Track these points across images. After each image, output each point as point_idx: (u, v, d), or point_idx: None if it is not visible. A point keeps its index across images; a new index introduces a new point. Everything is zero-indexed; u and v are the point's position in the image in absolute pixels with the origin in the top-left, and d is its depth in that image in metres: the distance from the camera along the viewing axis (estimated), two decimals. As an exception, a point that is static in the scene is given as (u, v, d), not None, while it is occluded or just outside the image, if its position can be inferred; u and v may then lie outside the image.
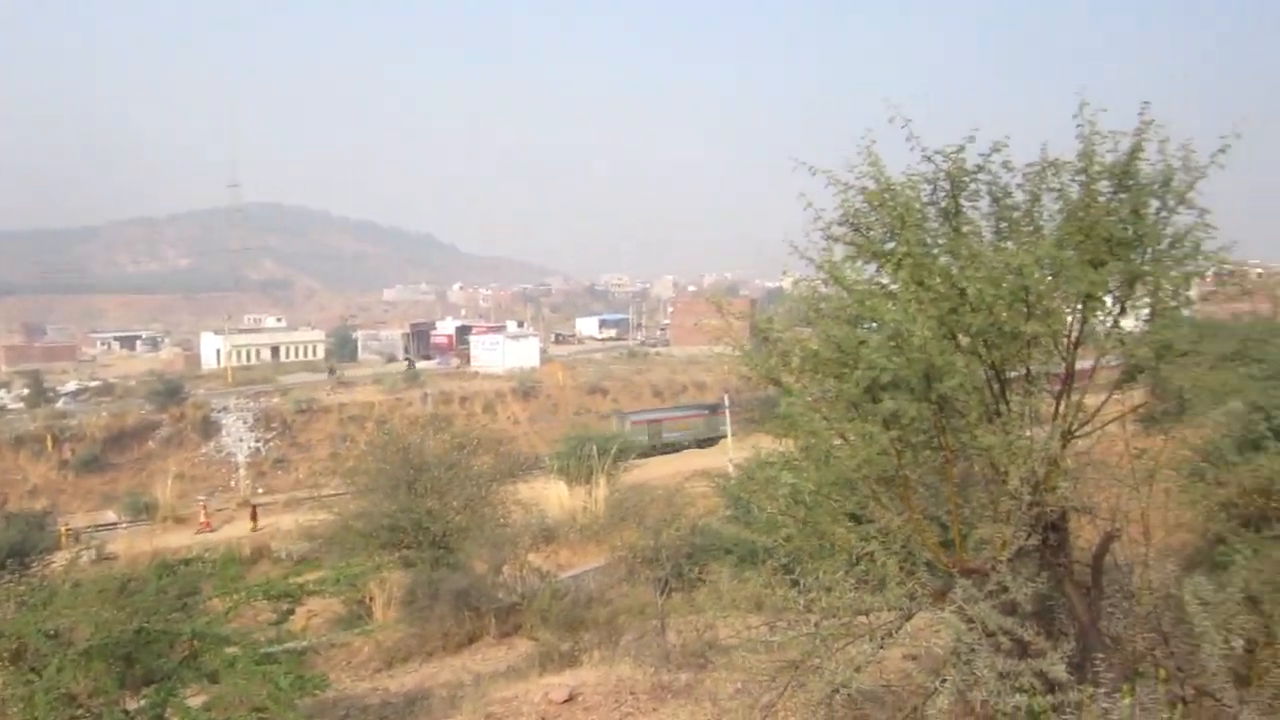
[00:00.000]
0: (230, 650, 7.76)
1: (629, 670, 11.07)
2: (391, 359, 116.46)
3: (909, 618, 6.56)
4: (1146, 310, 6.53)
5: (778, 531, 6.67)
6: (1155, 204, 6.58)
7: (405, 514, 19.40)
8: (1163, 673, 6.71)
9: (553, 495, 32.82)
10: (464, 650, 16.01)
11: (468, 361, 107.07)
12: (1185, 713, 6.58)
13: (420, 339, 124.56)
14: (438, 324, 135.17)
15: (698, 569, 17.46)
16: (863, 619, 6.45)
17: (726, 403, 54.66)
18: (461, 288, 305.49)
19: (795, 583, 6.38)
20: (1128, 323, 6.84)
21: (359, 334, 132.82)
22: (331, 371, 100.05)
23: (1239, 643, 6.38)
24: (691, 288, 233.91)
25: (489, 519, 20.97)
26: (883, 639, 6.47)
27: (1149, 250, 6.48)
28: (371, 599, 18.51)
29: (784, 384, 6.44)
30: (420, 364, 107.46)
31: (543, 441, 68.30)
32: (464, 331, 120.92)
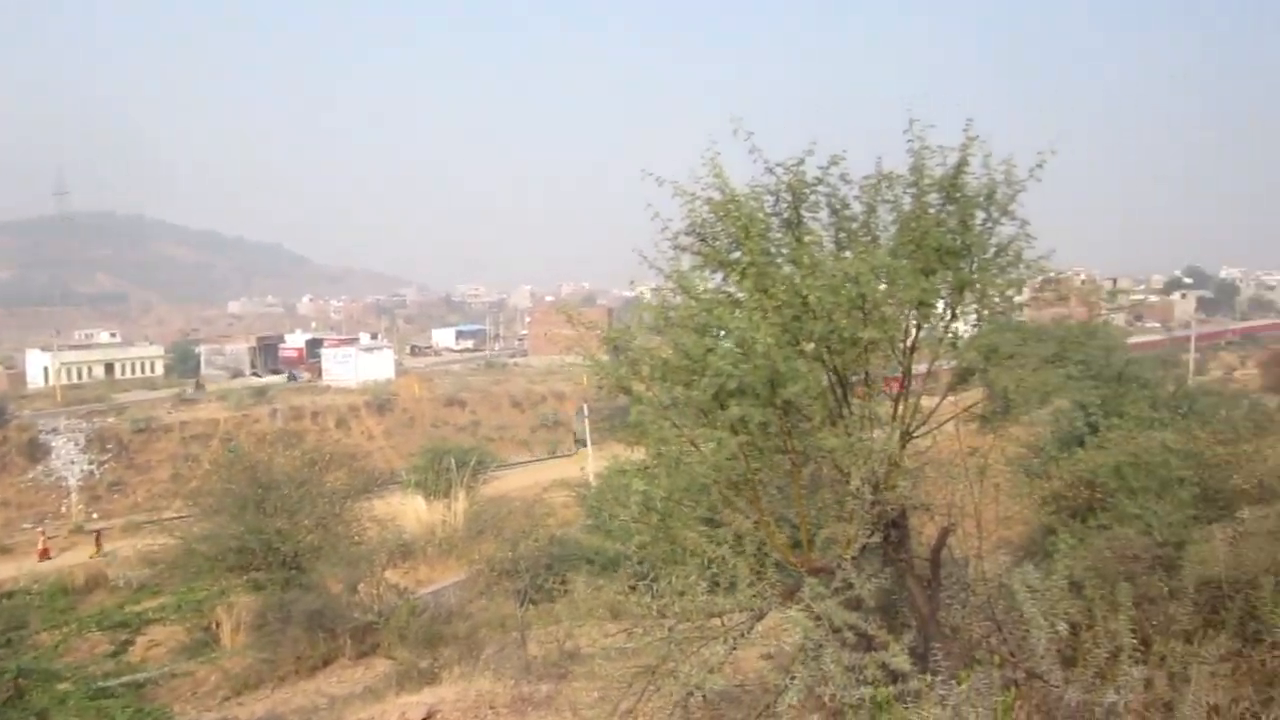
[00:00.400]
0: (61, 686, 7.32)
1: (489, 684, 10.98)
2: (237, 374, 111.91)
3: (760, 618, 6.74)
4: (974, 315, 6.90)
5: (631, 539, 6.76)
6: (981, 215, 6.98)
7: (253, 535, 18.75)
8: (997, 658, 7.10)
9: (410, 510, 32.25)
10: (319, 673, 15.55)
11: (319, 375, 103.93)
12: (1017, 695, 6.99)
13: (268, 353, 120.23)
14: (287, 337, 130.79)
15: (559, 579, 17.47)
16: (716, 621, 6.59)
17: (585, 413, 54.88)
18: (312, 299, 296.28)
19: (649, 589, 6.46)
20: (960, 327, 7.24)
21: (201, 349, 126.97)
22: (199, 386, 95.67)
23: (1063, 627, 6.82)
24: (549, 298, 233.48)
25: (343, 537, 20.48)
26: (735, 640, 6.63)
27: (976, 259, 6.86)
28: (219, 625, 17.78)
29: (634, 392, 6.53)
30: (269, 378, 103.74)
31: (399, 456, 66.98)
32: (315, 344, 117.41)
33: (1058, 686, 6.81)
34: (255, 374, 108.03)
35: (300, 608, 15.89)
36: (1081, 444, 28.88)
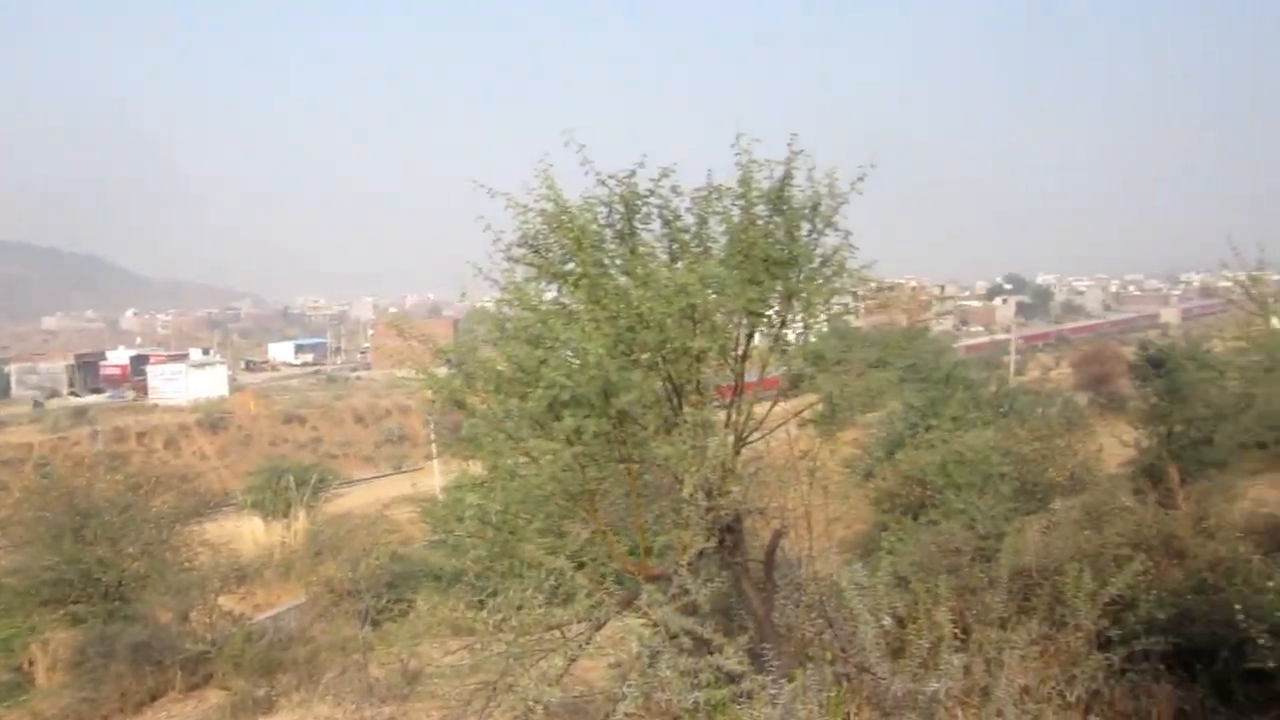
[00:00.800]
0: None
1: (328, 710, 10.65)
2: (53, 394, 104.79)
3: (600, 627, 6.79)
4: (801, 324, 7.16)
5: (468, 554, 6.70)
6: (807, 227, 7.24)
7: (71, 565, 17.61)
8: (829, 654, 7.36)
9: (247, 532, 30.94)
10: (145, 710, 14.70)
11: (146, 394, 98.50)
12: (848, 688, 7.27)
13: (88, 371, 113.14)
14: (108, 354, 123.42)
15: (404, 597, 17.10)
16: (555, 633, 6.60)
17: (432, 426, 53.98)
18: (136, 314, 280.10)
19: (484, 603, 6.42)
20: (791, 335, 7.50)
21: (11, 368, 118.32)
22: (37, 404, 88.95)
23: (889, 621, 7.15)
24: (393, 309, 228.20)
25: (172, 564, 19.47)
26: (576, 651, 6.65)
27: (803, 269, 7.12)
28: (33, 663, 16.59)
29: (468, 405, 6.48)
30: (89, 398, 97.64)
31: (235, 476, 64.13)
32: (140, 361, 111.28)
33: (885, 678, 7.12)
34: (74, 394, 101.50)
35: (124, 640, 14.96)
36: (902, 444, 30.24)
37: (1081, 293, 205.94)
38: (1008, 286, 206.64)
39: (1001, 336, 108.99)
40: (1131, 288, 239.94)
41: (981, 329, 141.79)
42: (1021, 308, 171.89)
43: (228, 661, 14.53)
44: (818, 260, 7.24)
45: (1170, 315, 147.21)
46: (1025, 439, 22.05)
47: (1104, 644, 8.33)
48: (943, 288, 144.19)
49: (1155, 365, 34.56)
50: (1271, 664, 7.17)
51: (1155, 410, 25.46)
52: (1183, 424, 24.28)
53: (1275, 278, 19.63)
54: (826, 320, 7.32)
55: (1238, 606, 7.67)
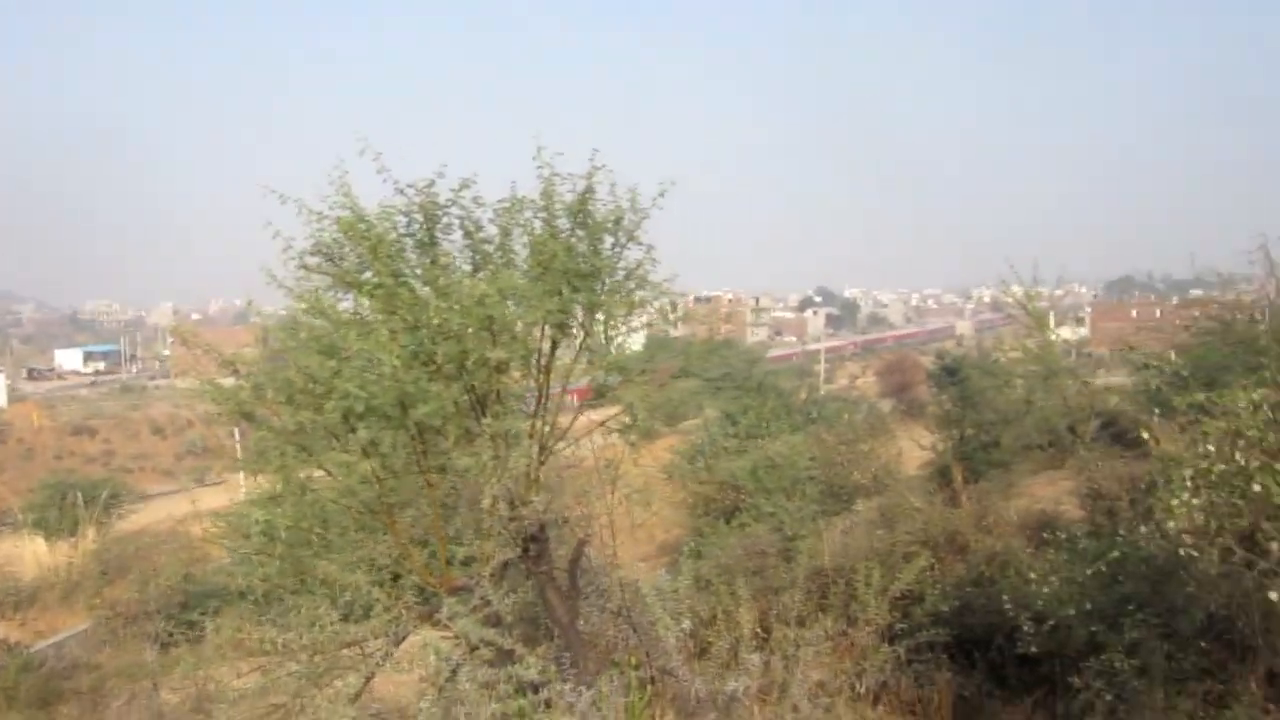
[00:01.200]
0: None
1: (112, 742, 9.99)
2: None
3: (399, 642, 6.66)
4: (603, 335, 7.25)
5: (255, 571, 6.44)
6: (610, 240, 7.35)
7: None
8: (633, 659, 7.50)
9: (28, 553, 28.65)
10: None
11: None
12: (653, 691, 7.42)
13: None
14: None
15: (197, 619, 16.22)
16: (352, 651, 6.44)
17: (238, 437, 51.44)
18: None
19: (274, 623, 6.19)
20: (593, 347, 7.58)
21: None
22: None
23: (688, 624, 7.36)
24: (196, 315, 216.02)
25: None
26: (373, 668, 6.51)
27: (605, 281, 7.21)
28: None
29: (257, 417, 6.24)
30: None
31: (14, 493, 59.11)
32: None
33: (686, 680, 7.31)
34: None
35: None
36: (718, 451, 31.04)
37: (885, 305, 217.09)
38: (818, 299, 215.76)
39: (812, 346, 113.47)
40: (930, 301, 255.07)
41: (794, 339, 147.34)
42: (831, 319, 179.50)
43: (0, 695, 13.44)
44: (621, 273, 7.35)
45: (964, 327, 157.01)
46: (832, 444, 23.08)
47: (894, 637, 8.84)
48: (758, 300, 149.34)
49: (950, 374, 36.85)
50: (1035, 649, 7.77)
51: (949, 416, 27.00)
52: (973, 428, 25.86)
53: (1048, 291, 21.23)
54: (630, 331, 7.42)
55: (1005, 597, 8.27)
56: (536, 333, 7.09)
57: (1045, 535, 9.72)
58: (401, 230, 6.84)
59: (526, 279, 6.79)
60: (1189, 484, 4.69)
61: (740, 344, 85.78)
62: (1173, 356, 6.66)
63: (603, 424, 7.78)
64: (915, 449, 25.99)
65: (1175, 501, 4.69)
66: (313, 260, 6.47)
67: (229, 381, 6.62)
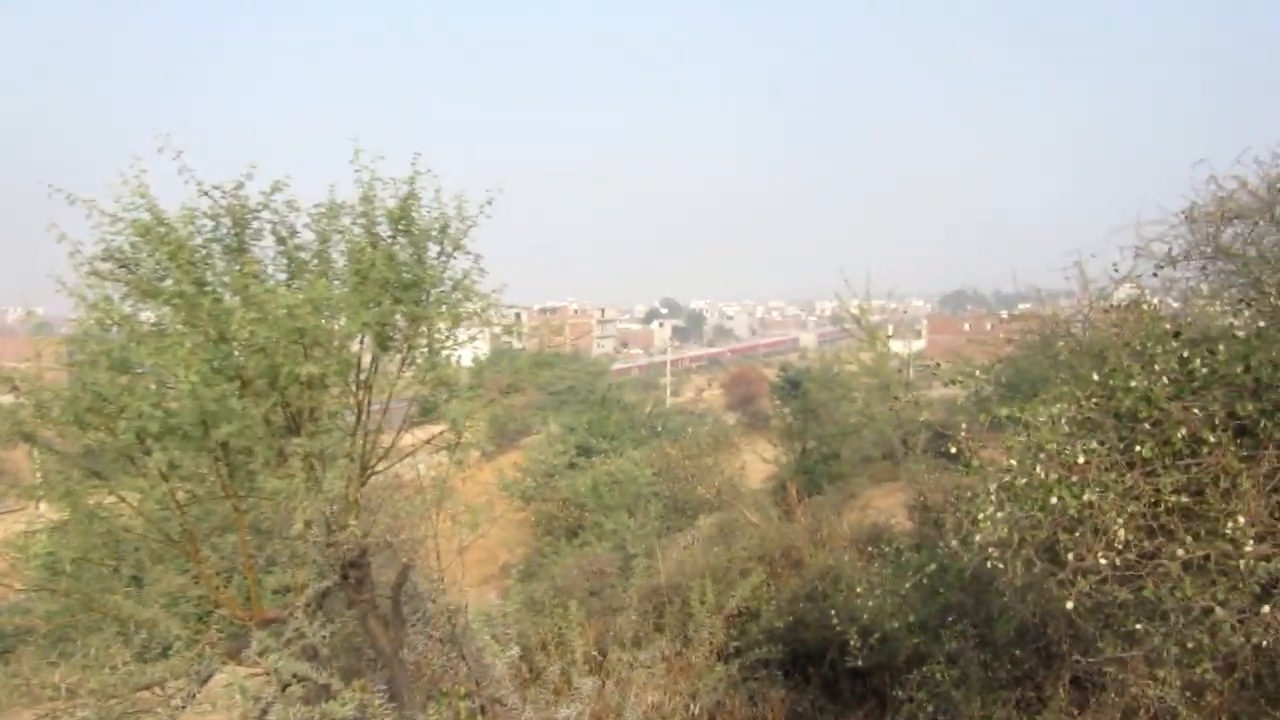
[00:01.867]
0: None
1: None
2: None
3: (204, 682, 6.34)
4: (426, 348, 7.12)
5: (36, 608, 6.00)
6: (436, 249, 7.23)
7: None
8: (462, 689, 7.36)
9: None
10: None
11: None
12: (483, 721, 7.30)
13: None
14: None
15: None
16: (150, 693, 6.08)
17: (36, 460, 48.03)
18: None
19: (56, 664, 5.79)
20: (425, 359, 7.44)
21: None
22: None
23: (517, 650, 7.28)
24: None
25: None
26: (175, 711, 6.16)
27: (430, 292, 7.08)
28: None
29: (38, 439, 5.83)
30: None
31: None
32: None
33: (517, 709, 7.23)
34: None
35: None
36: (571, 466, 31.06)
37: (731, 317, 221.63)
38: (664, 310, 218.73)
39: (658, 359, 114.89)
40: (775, 313, 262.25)
41: (640, 351, 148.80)
42: (677, 331, 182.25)
43: None
44: (447, 284, 7.24)
45: (808, 340, 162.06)
46: (677, 458, 23.40)
47: (729, 656, 9.01)
48: (603, 311, 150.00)
49: (792, 387, 37.90)
50: (863, 662, 8.07)
51: (791, 429, 27.73)
52: (815, 441, 26.64)
53: (884, 304, 22.11)
54: (459, 344, 7.30)
55: (832, 611, 8.56)
56: (355, 346, 6.91)
57: (873, 548, 10.10)
58: (207, 235, 6.53)
59: (344, 289, 6.61)
60: (994, 497, 4.98)
61: (586, 356, 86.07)
62: (977, 371, 7.00)
63: (428, 441, 7.63)
64: (759, 462, 26.57)
65: (981, 515, 4.96)
66: (104, 266, 6.09)
67: (8, 399, 6.16)
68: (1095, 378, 5.36)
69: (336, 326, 6.54)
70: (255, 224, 6.68)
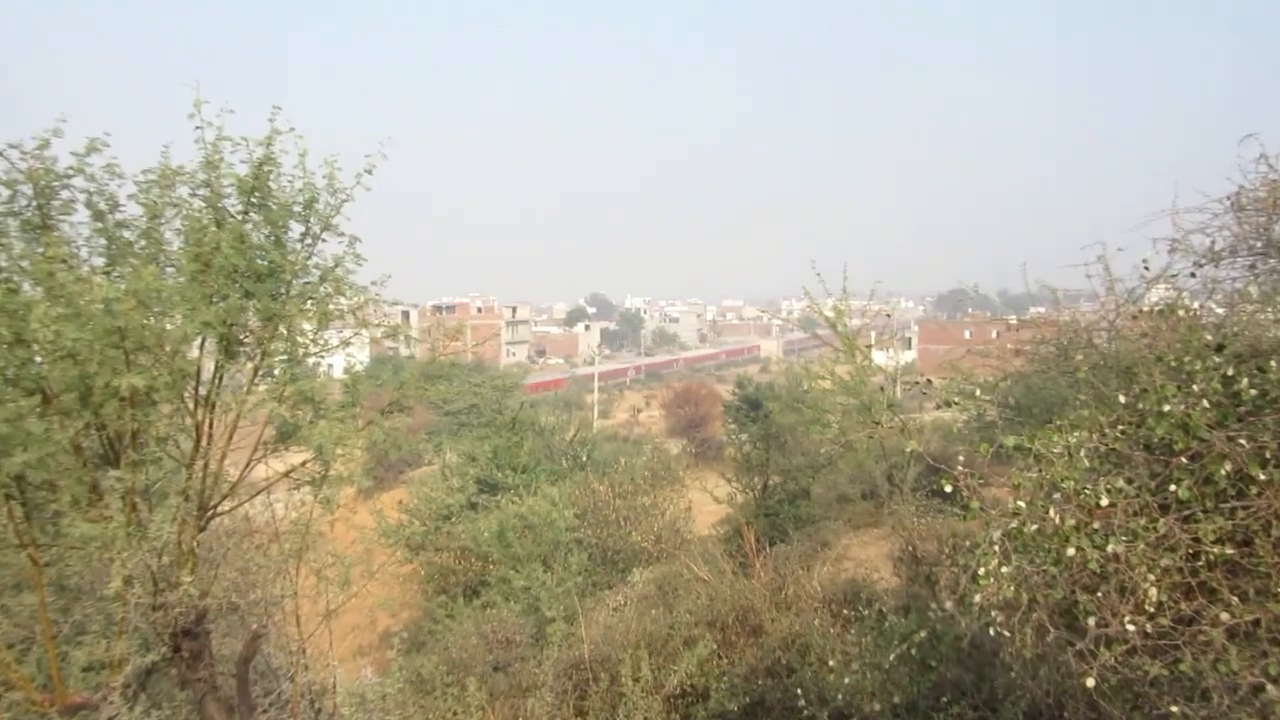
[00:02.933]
0: None
1: None
2: None
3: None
4: (285, 357, 7.01)
5: None
6: (299, 229, 7.13)
7: None
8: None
9: None
10: None
11: None
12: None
13: None
14: None
15: None
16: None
17: None
18: None
19: None
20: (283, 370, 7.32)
21: None
22: None
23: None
24: None
25: None
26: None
27: (291, 283, 6.98)
28: None
29: None
30: None
31: None
32: None
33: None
34: None
35: None
36: (474, 506, 30.94)
37: (675, 320, 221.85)
38: (591, 310, 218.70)
39: (584, 370, 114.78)
40: (730, 315, 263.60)
41: (562, 361, 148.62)
42: (608, 336, 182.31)
43: None
44: (314, 273, 7.15)
45: (771, 348, 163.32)
46: (606, 497, 23.35)
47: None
48: (514, 310, 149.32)
49: (752, 407, 38.11)
50: (836, 754, 8.11)
51: (749, 460, 27.73)
52: (779, 475, 26.70)
53: (865, 305, 22.34)
54: (328, 350, 7.22)
55: (799, 690, 8.60)
56: (193, 351, 6.78)
57: (850, 611, 10.17)
58: (0, 206, 6.37)
59: (179, 278, 6.49)
60: (997, 547, 5.01)
61: (492, 367, 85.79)
62: (978, 390, 7.09)
63: (287, 474, 7.53)
64: (709, 502, 26.61)
65: (983, 570, 4.98)
66: None
67: None
68: (1122, 400, 5.43)
69: (169, 326, 6.41)
70: (65, 194, 6.54)
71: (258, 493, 7.49)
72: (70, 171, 6.53)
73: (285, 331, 7.03)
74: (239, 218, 6.86)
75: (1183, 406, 5.19)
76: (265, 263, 6.82)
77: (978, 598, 5.05)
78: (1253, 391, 5.25)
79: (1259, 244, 6.29)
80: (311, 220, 7.10)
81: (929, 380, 10.29)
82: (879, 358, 23.98)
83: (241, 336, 6.96)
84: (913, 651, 7.45)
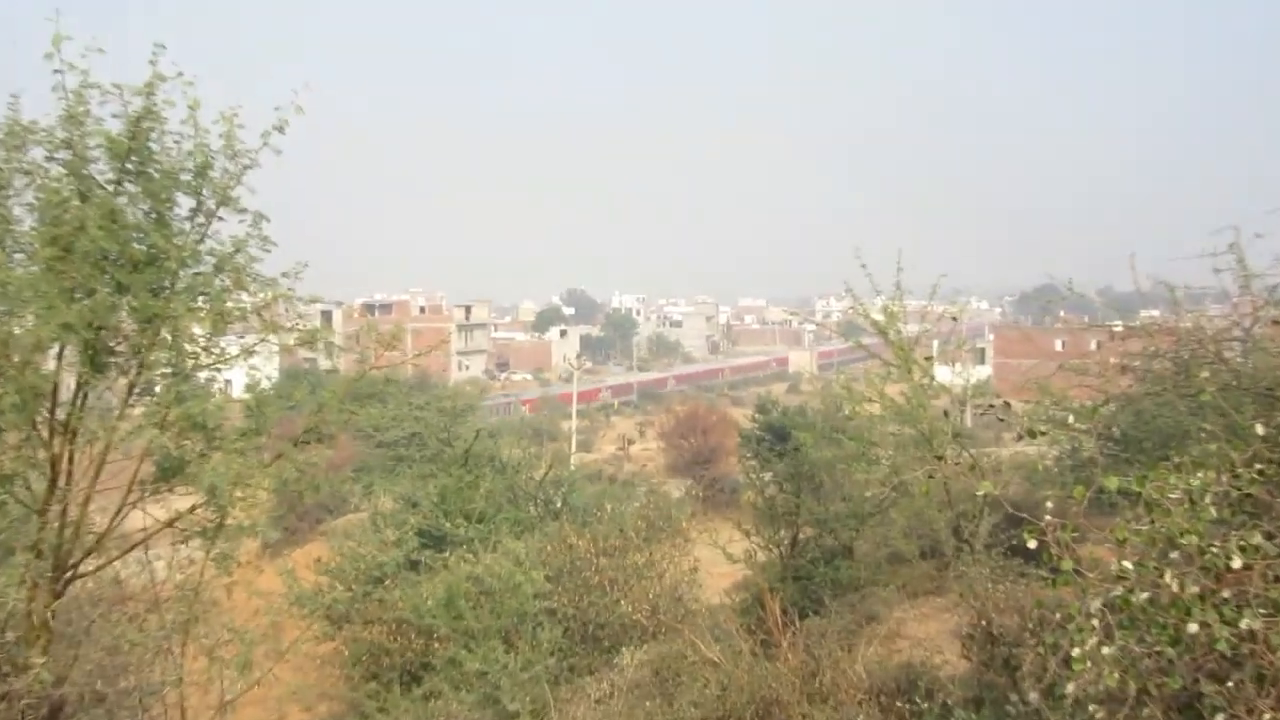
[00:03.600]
0: None
1: None
2: None
3: None
4: (170, 369, 7.02)
5: None
6: (189, 204, 7.14)
7: None
8: None
9: None
10: None
11: None
12: None
13: None
14: None
15: None
16: None
17: None
18: None
19: None
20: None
21: None
22: None
23: None
24: None
25: None
26: None
27: (178, 274, 6.99)
28: None
29: None
30: None
31: None
32: None
33: None
34: None
35: None
36: (414, 566, 30.90)
37: (678, 323, 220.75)
38: (569, 311, 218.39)
39: (559, 390, 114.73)
40: (750, 319, 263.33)
41: (529, 377, 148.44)
42: (590, 344, 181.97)
43: None
44: (208, 262, 7.16)
45: (802, 361, 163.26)
46: (587, 554, 23.25)
47: None
48: (468, 310, 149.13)
49: (777, 437, 38.02)
50: None
51: (774, 506, 27.57)
52: (813, 526, 26.60)
53: (926, 306, 22.28)
54: (222, 361, 7.23)
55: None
56: (50, 363, 6.80)
57: (906, 704, 10.15)
58: None
59: (31, 266, 6.51)
60: (1097, 622, 4.98)
61: (440, 384, 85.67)
62: (1072, 417, 7.07)
63: (171, 523, 7.54)
64: (721, 561, 26.55)
65: (1076, 651, 4.95)
66: None
67: None
68: (1260, 431, 5.42)
69: (17, 331, 6.42)
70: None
71: (132, 547, 7.50)
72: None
73: (169, 337, 7.04)
74: (110, 189, 6.88)
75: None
76: (144, 247, 6.84)
77: (1071, 687, 5.04)
78: None
79: None
80: (205, 192, 7.12)
81: (1007, 403, 10.23)
82: (942, 374, 23.87)
83: (112, 343, 6.97)
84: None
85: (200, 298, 7.02)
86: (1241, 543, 5.03)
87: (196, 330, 6.91)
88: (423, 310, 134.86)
